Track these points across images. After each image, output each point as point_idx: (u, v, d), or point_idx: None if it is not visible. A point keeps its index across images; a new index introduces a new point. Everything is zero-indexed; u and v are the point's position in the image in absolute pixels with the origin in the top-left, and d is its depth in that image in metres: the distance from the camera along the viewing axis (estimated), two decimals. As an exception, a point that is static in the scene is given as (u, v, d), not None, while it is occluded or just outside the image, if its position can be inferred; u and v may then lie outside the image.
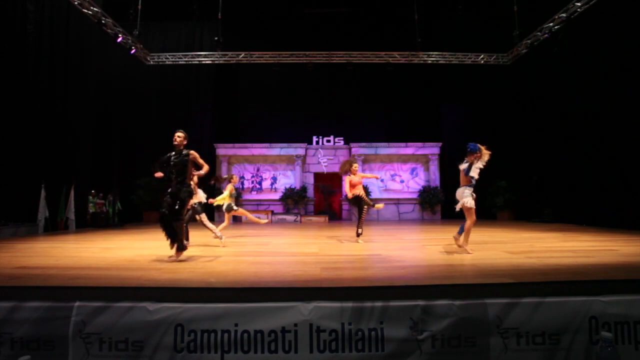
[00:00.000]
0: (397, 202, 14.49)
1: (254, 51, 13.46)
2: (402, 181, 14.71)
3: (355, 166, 6.34)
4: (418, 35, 11.93)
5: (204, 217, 5.67)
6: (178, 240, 4.05)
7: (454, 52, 13.35)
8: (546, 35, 10.90)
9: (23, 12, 8.66)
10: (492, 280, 2.88)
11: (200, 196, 5.70)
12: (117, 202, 12.32)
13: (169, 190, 4.08)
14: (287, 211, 14.08)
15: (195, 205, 5.58)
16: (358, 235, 6.04)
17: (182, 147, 4.18)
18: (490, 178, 13.27)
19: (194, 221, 5.75)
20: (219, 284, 2.87)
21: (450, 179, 14.46)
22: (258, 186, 14.71)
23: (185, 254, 4.20)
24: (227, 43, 12.25)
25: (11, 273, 3.33)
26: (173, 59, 13.53)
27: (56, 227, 9.01)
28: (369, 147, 14.53)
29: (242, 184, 14.67)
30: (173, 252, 4.09)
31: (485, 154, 4.51)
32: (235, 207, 6.43)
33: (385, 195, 14.60)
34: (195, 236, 5.93)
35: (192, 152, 4.18)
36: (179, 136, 4.18)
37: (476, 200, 4.44)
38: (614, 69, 8.49)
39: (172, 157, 4.13)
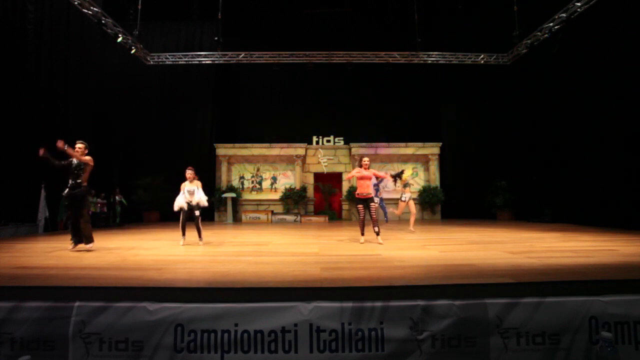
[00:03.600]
0: (397, 202, 14.48)
1: (254, 51, 13.45)
2: (402, 181, 14.69)
3: (366, 160, 6.01)
4: (418, 35, 11.93)
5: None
6: (85, 234, 4.87)
7: (454, 52, 13.35)
8: (546, 35, 10.90)
9: (23, 12, 8.67)
10: (492, 280, 2.88)
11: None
12: (122, 199, 12.35)
13: (66, 192, 4.91)
14: (287, 211, 14.08)
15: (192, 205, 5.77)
16: (377, 234, 5.77)
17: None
18: (490, 178, 13.32)
19: (190, 220, 5.83)
20: (219, 284, 2.87)
21: (450, 179, 14.49)
22: (258, 186, 14.70)
23: (185, 254, 4.19)
24: (227, 43, 12.25)
25: (11, 273, 3.33)
26: (173, 59, 13.53)
27: (56, 227, 9.01)
28: (369, 147, 14.52)
29: (242, 184, 14.67)
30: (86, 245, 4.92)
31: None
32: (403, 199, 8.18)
33: (385, 196, 14.56)
34: (194, 236, 5.92)
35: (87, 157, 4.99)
36: (79, 147, 4.94)
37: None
38: (614, 69, 8.49)
39: (73, 164, 4.92)
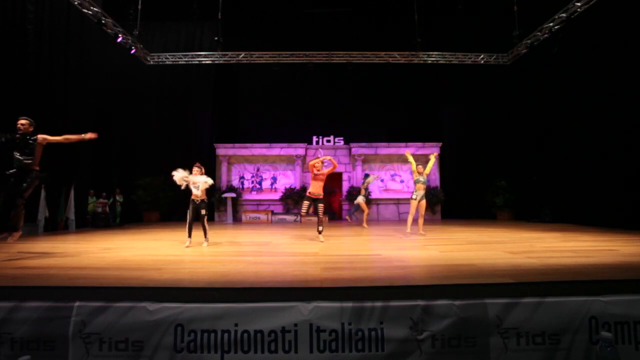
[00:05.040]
0: (397, 202, 14.50)
1: (254, 51, 13.46)
2: (402, 181, 14.71)
3: (320, 159, 6.26)
4: (418, 35, 11.94)
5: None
6: (14, 222, 4.26)
7: (454, 52, 13.36)
8: (546, 35, 10.90)
9: (23, 12, 8.66)
10: (492, 280, 2.88)
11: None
12: (120, 197, 12.39)
13: (12, 172, 4.16)
14: (287, 211, 14.08)
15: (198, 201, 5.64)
16: (320, 232, 6.10)
17: (28, 133, 4.28)
18: (490, 178, 13.32)
19: (196, 220, 5.71)
20: (219, 284, 2.87)
21: (450, 179, 14.49)
22: (258, 186, 14.71)
23: (185, 254, 4.18)
24: (227, 43, 12.26)
25: (11, 273, 3.33)
26: (173, 59, 13.53)
27: (56, 227, 9.01)
28: (369, 147, 14.53)
29: (242, 184, 14.68)
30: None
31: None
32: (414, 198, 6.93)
33: (385, 195, 14.60)
34: (198, 236, 5.91)
35: (40, 135, 4.30)
36: (23, 123, 4.30)
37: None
38: (614, 69, 8.49)
39: (18, 142, 4.22)
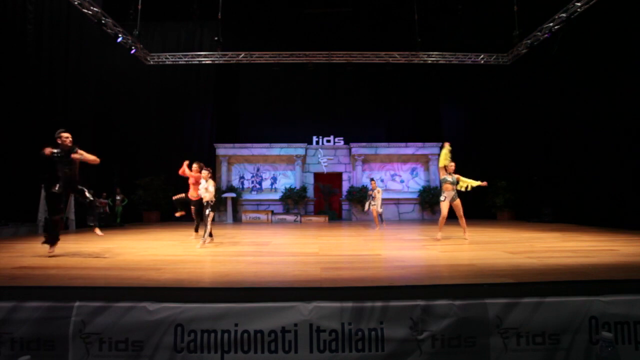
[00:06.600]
0: (397, 202, 14.49)
1: (254, 51, 13.46)
2: (402, 181, 14.71)
3: (195, 167, 6.29)
4: (418, 35, 11.94)
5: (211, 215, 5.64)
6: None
7: (454, 52, 13.36)
8: (546, 35, 10.90)
9: (23, 12, 8.67)
10: (492, 280, 2.88)
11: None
12: (125, 198, 12.44)
13: (58, 189, 4.24)
14: (287, 211, 14.08)
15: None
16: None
17: (70, 146, 4.36)
18: (490, 178, 13.28)
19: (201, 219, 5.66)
20: (219, 284, 2.87)
21: (450, 179, 14.46)
22: (258, 186, 14.71)
23: (185, 254, 4.18)
24: (227, 43, 12.25)
25: (11, 273, 3.33)
26: (173, 59, 13.53)
27: (56, 227, 8.99)
28: (369, 147, 14.53)
29: (242, 184, 14.68)
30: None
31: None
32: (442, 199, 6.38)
33: (385, 195, 14.54)
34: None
35: (79, 150, 4.42)
36: (68, 137, 4.35)
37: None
38: (614, 69, 8.49)
39: (61, 155, 4.28)
